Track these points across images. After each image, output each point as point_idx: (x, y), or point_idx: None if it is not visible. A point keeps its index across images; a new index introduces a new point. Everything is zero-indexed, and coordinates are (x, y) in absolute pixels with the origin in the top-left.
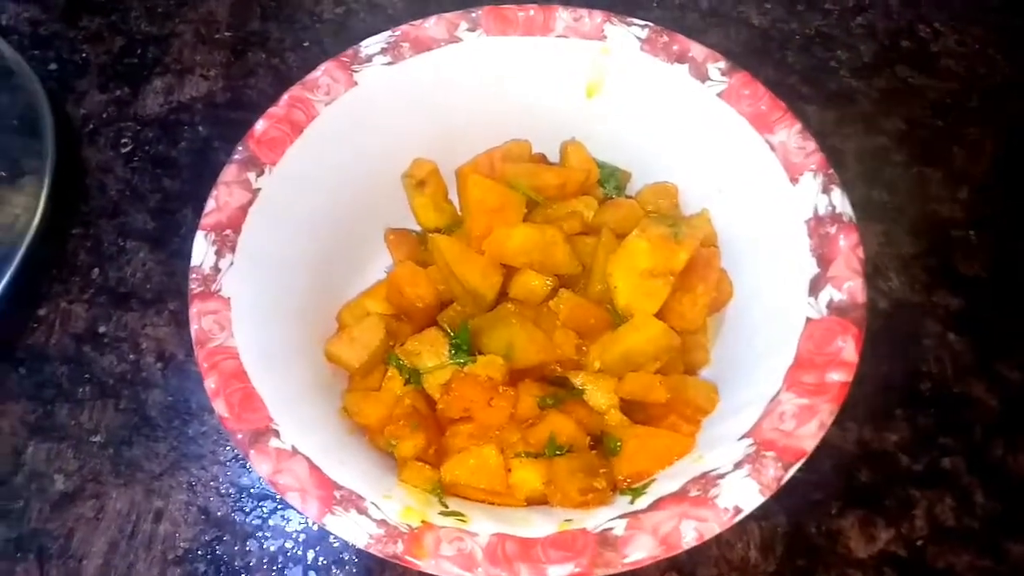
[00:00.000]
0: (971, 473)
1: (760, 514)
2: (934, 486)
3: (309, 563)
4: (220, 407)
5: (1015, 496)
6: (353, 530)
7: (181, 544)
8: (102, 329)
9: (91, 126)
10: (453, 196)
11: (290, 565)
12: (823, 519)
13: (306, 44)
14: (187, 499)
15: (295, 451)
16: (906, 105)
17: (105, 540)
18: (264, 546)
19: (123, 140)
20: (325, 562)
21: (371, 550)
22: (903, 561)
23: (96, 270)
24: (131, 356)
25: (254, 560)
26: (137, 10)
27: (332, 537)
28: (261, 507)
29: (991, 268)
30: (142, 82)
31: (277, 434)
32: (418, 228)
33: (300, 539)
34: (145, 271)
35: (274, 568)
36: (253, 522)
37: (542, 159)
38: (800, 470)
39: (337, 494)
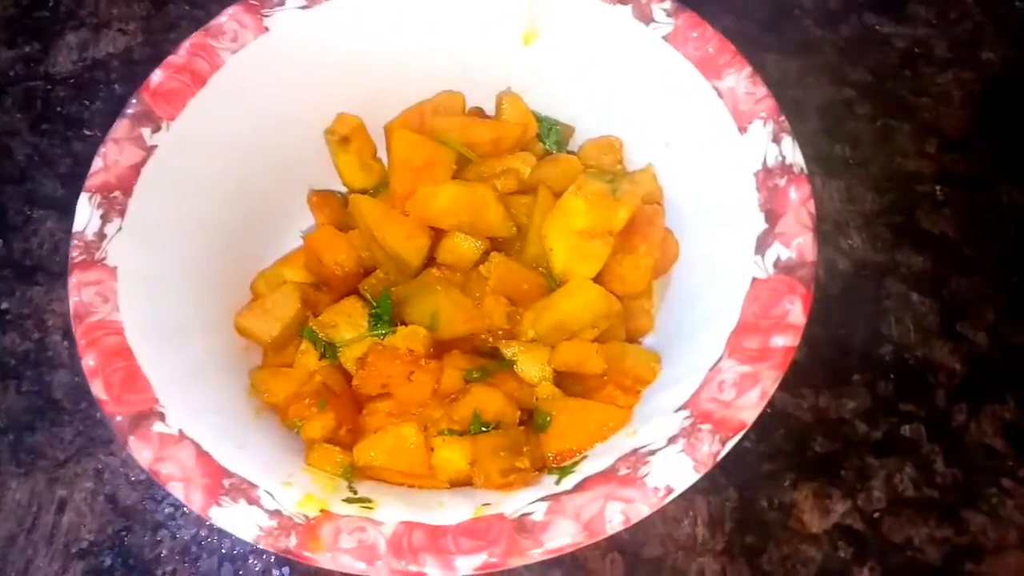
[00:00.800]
0: (932, 441)
1: (708, 488)
2: (893, 455)
3: (225, 552)
4: (97, 388)
5: (977, 463)
6: (241, 523)
7: (86, 536)
8: (4, 305)
9: None
10: (383, 154)
11: (204, 556)
12: (775, 492)
13: None
14: (93, 487)
15: (182, 435)
16: (872, 55)
17: (2, 535)
18: (177, 536)
19: (32, 100)
20: (241, 551)
21: (260, 544)
22: (859, 534)
23: (0, 241)
24: (35, 334)
25: (165, 551)
26: None
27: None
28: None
29: (958, 226)
30: (54, 37)
31: (162, 417)
32: (344, 189)
33: (215, 527)
34: (53, 242)
35: (187, 559)
36: (165, 511)
37: (478, 112)
38: (751, 440)
39: (226, 482)
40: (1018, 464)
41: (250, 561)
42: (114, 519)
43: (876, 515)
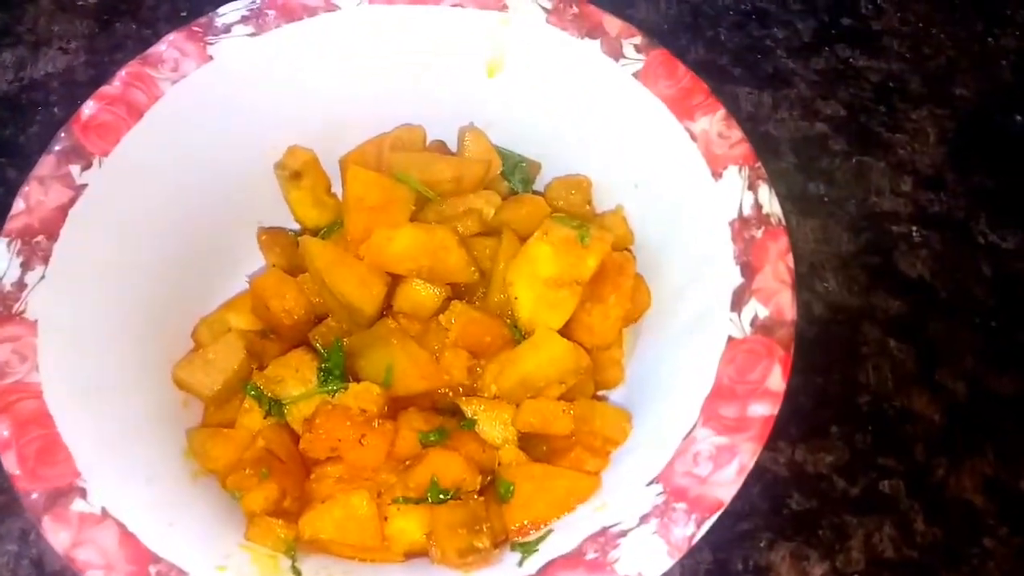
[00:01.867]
0: (912, 497)
1: None
2: (872, 512)
3: None
4: (10, 462)
5: (958, 521)
6: None
7: None
8: None
9: None
10: (338, 188)
11: None
12: (751, 553)
13: (184, 14)
14: (17, 550)
15: (105, 514)
16: (846, 88)
17: None
18: None
19: None
20: None
21: None
22: None
23: None
24: None
25: None
26: None
27: None
28: None
29: (935, 269)
30: None
31: (83, 493)
32: (297, 227)
33: None
34: None
35: None
36: None
37: (439, 147)
38: None
39: (152, 569)
40: (999, 522)
41: None
42: None
43: None
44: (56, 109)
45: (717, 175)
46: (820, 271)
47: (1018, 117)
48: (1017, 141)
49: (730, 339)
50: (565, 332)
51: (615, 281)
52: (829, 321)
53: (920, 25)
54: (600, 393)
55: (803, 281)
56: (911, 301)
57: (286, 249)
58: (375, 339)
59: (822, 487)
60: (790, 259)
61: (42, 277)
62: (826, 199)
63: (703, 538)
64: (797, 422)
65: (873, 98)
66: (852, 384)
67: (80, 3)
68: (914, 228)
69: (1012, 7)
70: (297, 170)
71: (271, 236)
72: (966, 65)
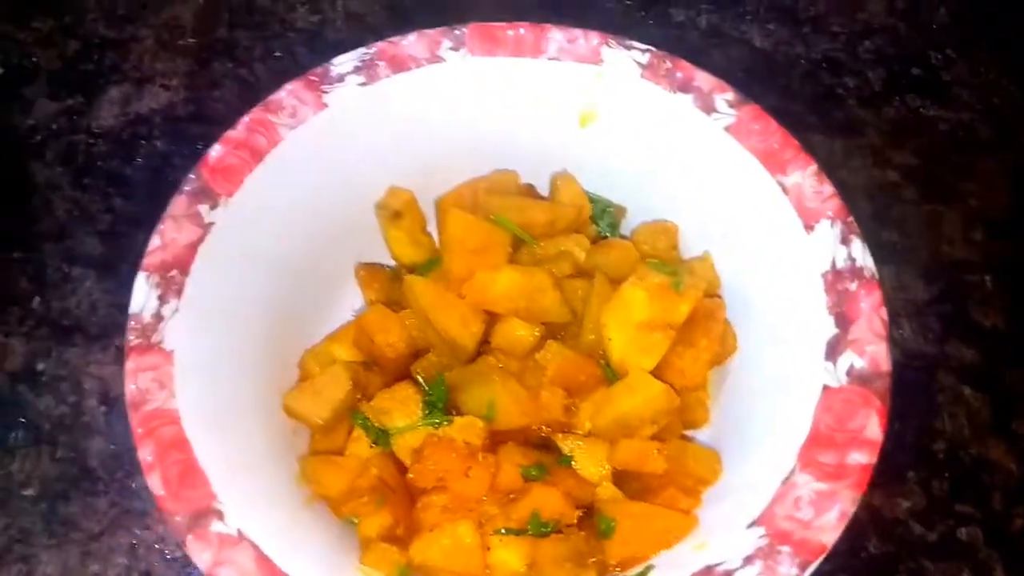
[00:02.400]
0: (990, 545)
1: None
2: (950, 558)
3: None
4: (155, 483)
5: None
6: None
7: None
8: (40, 366)
9: (39, 138)
10: (432, 228)
11: None
12: None
13: (277, 54)
14: (127, 563)
15: (241, 536)
16: (917, 137)
17: None
18: None
19: (74, 154)
20: None
21: None
22: None
23: (37, 299)
24: (71, 398)
25: None
26: (94, 12)
27: None
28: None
29: (1009, 317)
30: (97, 91)
31: (220, 515)
32: (392, 263)
33: None
34: (91, 301)
35: None
36: None
37: (530, 191)
38: None
39: None
40: None
41: None
42: None
43: None
44: (158, 143)
45: (809, 228)
46: (895, 318)
47: None
48: None
49: (826, 388)
50: (656, 373)
51: (705, 326)
52: (904, 367)
53: (989, 76)
54: (686, 433)
55: None
56: (985, 350)
57: (383, 284)
58: (477, 375)
59: (899, 532)
60: (884, 312)
61: (176, 310)
62: (898, 247)
63: None
64: (874, 466)
65: (944, 147)
66: (928, 431)
67: (180, 43)
68: (987, 277)
69: None
70: (397, 210)
71: (369, 272)
72: None
